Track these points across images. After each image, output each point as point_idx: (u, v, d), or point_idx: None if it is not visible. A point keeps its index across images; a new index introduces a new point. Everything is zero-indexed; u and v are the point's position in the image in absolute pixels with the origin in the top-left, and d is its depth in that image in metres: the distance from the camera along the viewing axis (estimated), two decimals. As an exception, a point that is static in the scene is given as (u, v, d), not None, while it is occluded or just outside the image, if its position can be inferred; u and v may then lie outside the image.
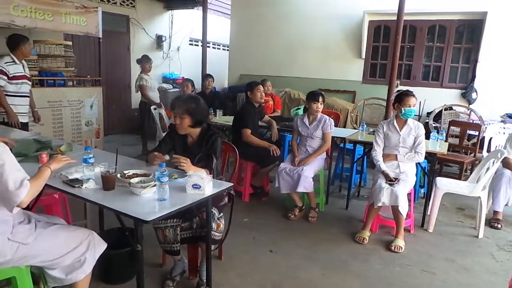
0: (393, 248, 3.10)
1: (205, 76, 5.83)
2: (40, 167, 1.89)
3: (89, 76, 5.71)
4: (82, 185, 1.98)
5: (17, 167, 1.73)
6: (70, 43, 5.46)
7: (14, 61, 3.84)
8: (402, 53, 6.51)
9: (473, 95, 6.09)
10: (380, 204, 3.09)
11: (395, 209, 3.10)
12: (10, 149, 2.26)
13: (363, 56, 6.92)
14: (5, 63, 3.78)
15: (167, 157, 2.48)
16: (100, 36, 5.48)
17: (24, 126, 4.03)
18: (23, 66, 3.97)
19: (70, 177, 2.07)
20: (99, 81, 5.67)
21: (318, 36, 7.26)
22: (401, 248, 3.11)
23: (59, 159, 1.97)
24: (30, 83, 4.11)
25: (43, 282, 2.01)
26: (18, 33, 3.95)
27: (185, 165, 2.13)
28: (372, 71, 7.02)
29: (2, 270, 1.77)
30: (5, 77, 3.78)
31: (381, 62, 6.92)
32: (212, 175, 2.21)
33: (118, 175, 2.07)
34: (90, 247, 1.92)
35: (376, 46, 6.93)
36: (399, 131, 3.32)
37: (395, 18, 4.83)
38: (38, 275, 2.04)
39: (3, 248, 1.69)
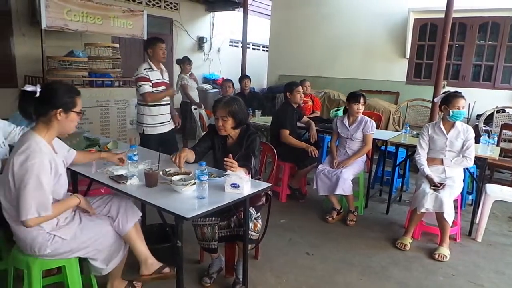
0: (436, 256, 2.96)
1: (242, 77, 5.89)
2: (73, 195, 1.96)
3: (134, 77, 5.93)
4: (126, 181, 2.06)
5: (37, 194, 1.70)
6: (117, 45, 5.72)
7: (150, 67, 3.54)
8: (450, 52, 6.20)
9: (529, 96, 5.70)
10: (423, 210, 2.96)
11: (439, 216, 2.96)
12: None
13: (407, 56, 6.68)
14: (144, 69, 3.52)
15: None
16: (145, 38, 5.68)
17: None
18: (161, 72, 3.65)
19: (116, 173, 2.17)
20: (144, 81, 5.87)
21: (360, 35, 7.09)
22: (446, 257, 2.96)
23: (90, 207, 2.03)
24: None
25: (89, 271, 2.13)
26: (152, 36, 3.57)
27: (234, 169, 2.15)
28: (417, 71, 6.76)
29: (54, 260, 1.90)
30: (150, 83, 3.48)
31: (427, 61, 6.63)
32: (250, 175, 2.22)
33: (161, 173, 2.13)
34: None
35: (421, 45, 6.66)
36: (445, 134, 3.17)
37: (442, 15, 4.61)
38: (85, 265, 2.16)
39: (42, 242, 1.79)
